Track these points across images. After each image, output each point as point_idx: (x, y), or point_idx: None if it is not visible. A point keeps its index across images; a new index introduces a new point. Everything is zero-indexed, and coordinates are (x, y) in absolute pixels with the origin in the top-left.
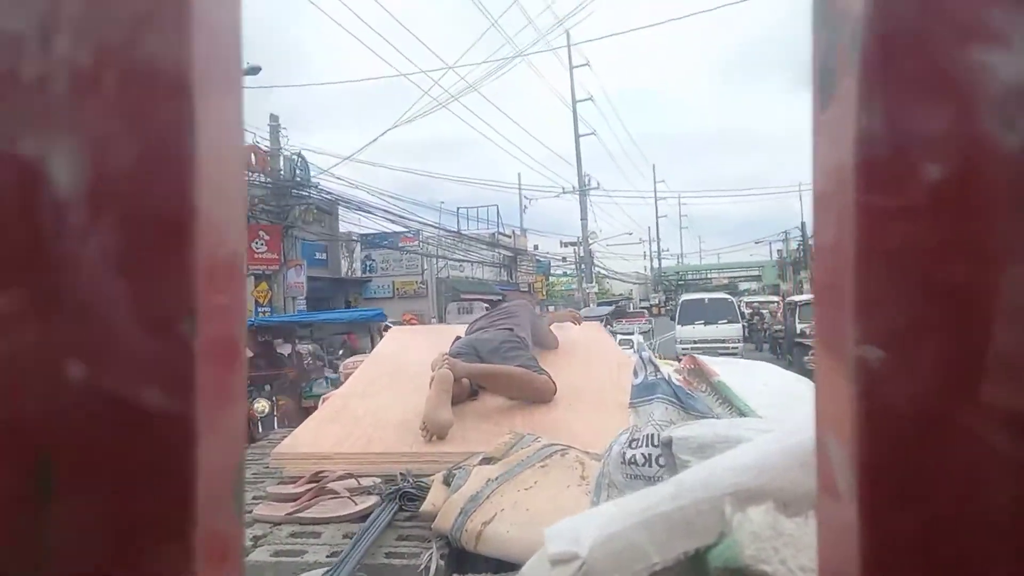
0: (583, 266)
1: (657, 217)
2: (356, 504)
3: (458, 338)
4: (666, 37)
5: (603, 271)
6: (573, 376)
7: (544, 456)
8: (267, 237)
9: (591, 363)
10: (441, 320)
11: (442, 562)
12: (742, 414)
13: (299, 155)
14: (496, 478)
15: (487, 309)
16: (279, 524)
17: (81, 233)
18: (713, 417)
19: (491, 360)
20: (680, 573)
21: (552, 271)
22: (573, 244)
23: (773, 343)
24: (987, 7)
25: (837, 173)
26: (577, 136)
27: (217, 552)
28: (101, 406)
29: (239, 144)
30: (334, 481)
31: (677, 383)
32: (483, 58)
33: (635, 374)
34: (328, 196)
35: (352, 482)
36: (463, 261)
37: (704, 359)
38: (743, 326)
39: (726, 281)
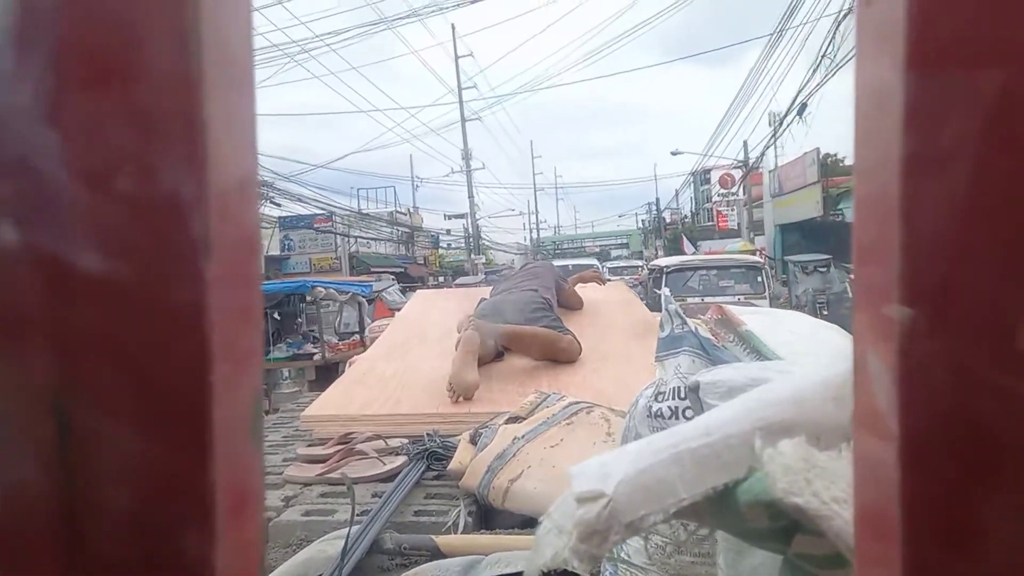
0: (471, 240)
1: (535, 190)
2: (384, 464)
3: (483, 300)
4: (536, 22)
5: (487, 243)
6: (598, 336)
7: (570, 414)
8: None
9: (616, 323)
10: None
11: (470, 519)
12: None
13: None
14: (522, 436)
15: (392, 279)
16: (309, 485)
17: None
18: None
19: (516, 321)
20: (708, 508)
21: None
22: (458, 217)
23: None
24: None
25: (881, 81)
26: (464, 121)
27: (237, 482)
28: (113, 329)
29: (253, 136)
30: (363, 442)
31: (704, 335)
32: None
33: (661, 327)
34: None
35: (380, 443)
36: (371, 239)
37: (731, 308)
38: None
39: (598, 249)
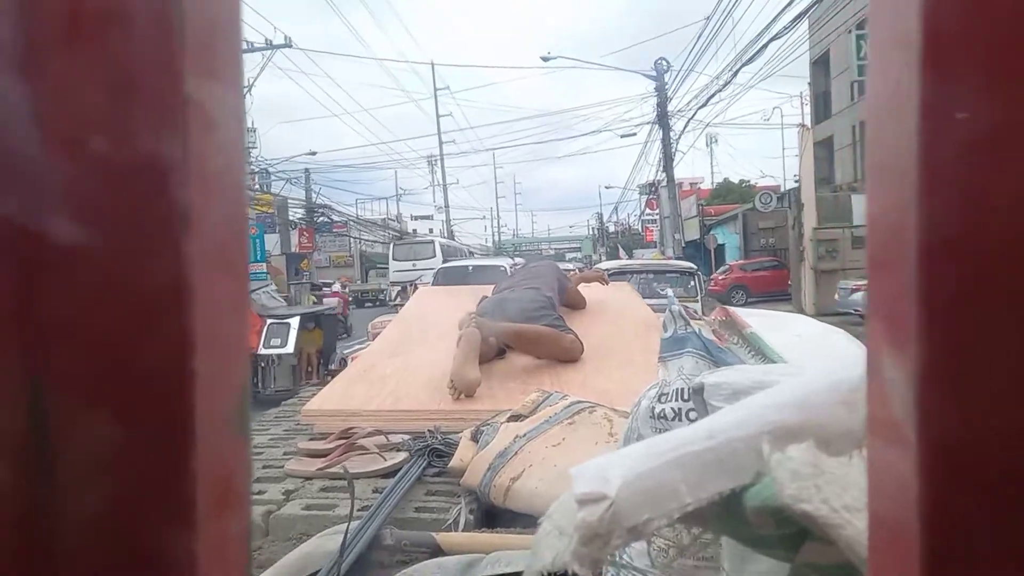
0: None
1: (496, 197)
2: (385, 460)
3: (485, 298)
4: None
5: (457, 244)
6: (600, 335)
7: (572, 413)
8: (307, 233)
9: (618, 323)
10: (364, 280)
11: (471, 517)
12: None
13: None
14: (524, 435)
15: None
16: (310, 479)
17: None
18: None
19: (518, 320)
20: (714, 514)
21: None
22: (424, 218)
23: None
24: None
25: (895, 84)
26: (441, 143)
27: (220, 477)
28: (90, 317)
29: (239, 112)
30: (364, 437)
31: (708, 337)
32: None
33: (664, 328)
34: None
35: (381, 439)
36: (374, 241)
37: (736, 310)
38: None
39: (553, 252)
